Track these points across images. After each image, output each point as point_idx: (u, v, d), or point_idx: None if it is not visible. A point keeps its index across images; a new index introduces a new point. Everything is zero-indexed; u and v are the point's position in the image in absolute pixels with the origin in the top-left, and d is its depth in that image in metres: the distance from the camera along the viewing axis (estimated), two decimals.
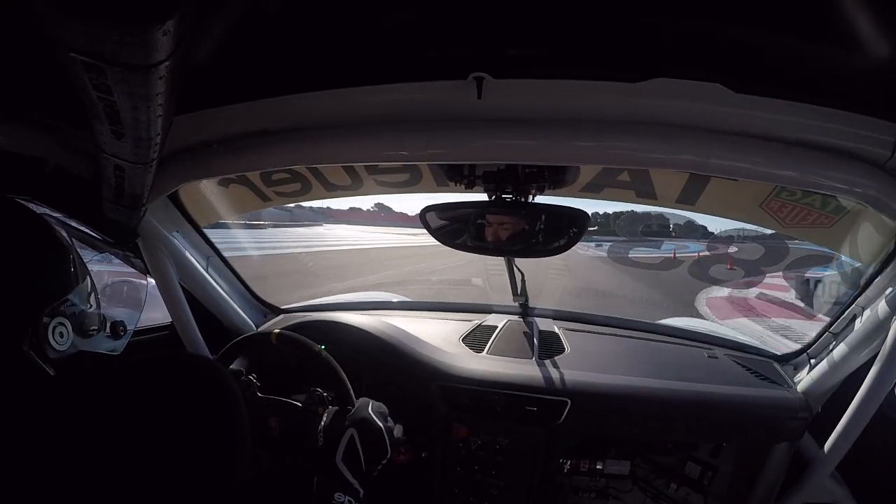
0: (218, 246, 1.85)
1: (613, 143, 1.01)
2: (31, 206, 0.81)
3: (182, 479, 0.57)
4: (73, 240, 0.82)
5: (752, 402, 1.56)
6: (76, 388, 0.60)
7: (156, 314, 1.92)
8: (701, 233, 20.34)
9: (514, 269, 1.99)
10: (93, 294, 0.82)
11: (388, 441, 1.22)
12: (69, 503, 0.50)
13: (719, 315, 8.86)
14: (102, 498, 0.51)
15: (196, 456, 0.59)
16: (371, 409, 1.26)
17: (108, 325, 0.90)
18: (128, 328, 0.96)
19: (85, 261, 0.84)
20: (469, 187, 1.40)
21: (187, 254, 1.70)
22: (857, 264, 1.49)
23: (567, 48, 0.91)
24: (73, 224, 1.17)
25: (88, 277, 0.81)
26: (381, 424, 1.22)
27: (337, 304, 2.59)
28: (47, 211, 1.18)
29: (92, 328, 0.81)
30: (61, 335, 0.71)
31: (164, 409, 0.59)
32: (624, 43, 0.87)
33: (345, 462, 1.13)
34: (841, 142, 0.95)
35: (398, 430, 1.29)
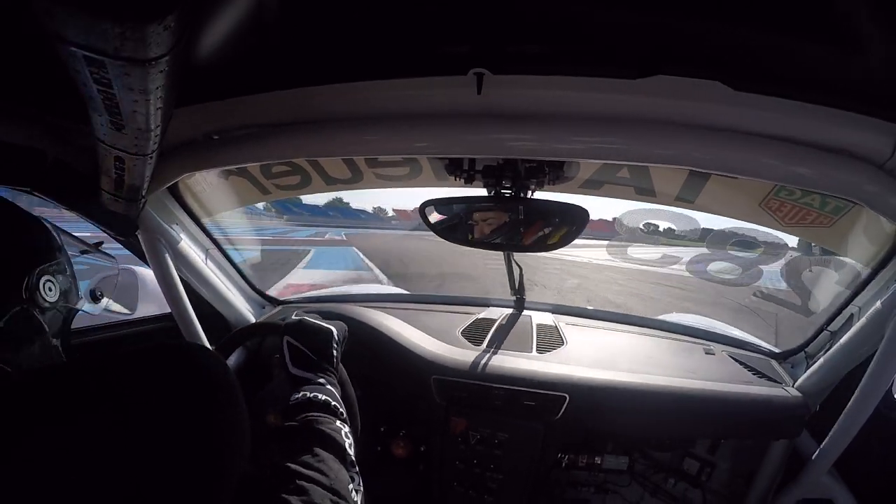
0: None
1: (613, 140, 1.01)
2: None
3: (179, 470, 0.57)
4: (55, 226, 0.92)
5: (749, 399, 1.56)
6: (72, 375, 0.60)
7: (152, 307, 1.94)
8: None
9: (513, 263, 1.99)
10: (69, 266, 0.91)
11: (318, 323, 1.22)
12: (59, 494, 0.50)
13: None
14: (95, 489, 0.51)
15: (194, 447, 0.59)
16: (295, 314, 1.26)
17: (88, 291, 1.05)
18: (104, 294, 1.10)
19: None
20: (469, 182, 1.40)
21: (186, 246, 1.70)
22: (856, 264, 1.49)
23: (567, 45, 0.90)
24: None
25: (65, 251, 0.91)
26: (302, 317, 1.23)
27: (336, 296, 2.60)
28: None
29: (73, 291, 0.92)
30: (50, 290, 0.82)
31: (161, 399, 0.59)
32: (624, 40, 0.87)
33: (296, 365, 1.13)
34: (840, 141, 0.94)
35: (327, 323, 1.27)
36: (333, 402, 1.03)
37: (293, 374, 1.12)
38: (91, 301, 1.04)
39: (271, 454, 0.85)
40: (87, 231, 1.32)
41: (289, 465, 0.82)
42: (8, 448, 0.51)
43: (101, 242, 1.39)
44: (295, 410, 0.99)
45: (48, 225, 0.88)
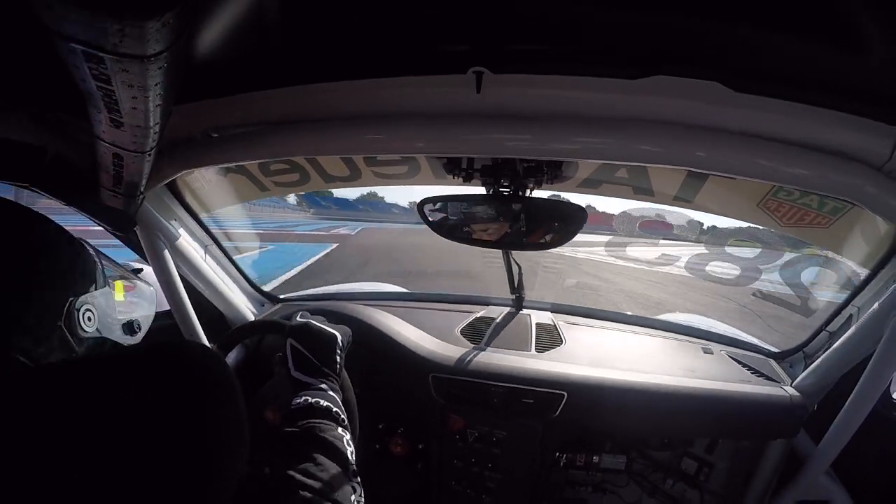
0: None
1: (612, 140, 1.01)
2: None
3: (178, 469, 0.56)
4: (97, 250, 0.88)
5: (747, 399, 1.57)
6: (73, 373, 0.60)
7: None
8: None
9: (512, 262, 1.99)
10: (110, 299, 0.89)
11: (322, 328, 1.21)
12: (60, 492, 0.50)
13: None
14: (95, 487, 0.51)
15: (193, 445, 0.58)
16: (300, 317, 1.26)
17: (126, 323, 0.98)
18: (141, 327, 1.04)
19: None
20: (467, 180, 1.40)
21: (185, 242, 1.70)
22: (854, 265, 1.49)
23: (567, 44, 0.90)
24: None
25: (108, 282, 0.88)
26: (308, 320, 1.22)
27: (336, 293, 2.59)
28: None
29: (111, 321, 0.88)
30: (89, 319, 0.79)
31: (160, 397, 0.58)
32: (624, 40, 0.87)
33: (298, 369, 1.13)
34: (839, 143, 0.94)
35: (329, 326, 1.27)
36: (335, 409, 1.02)
37: (294, 377, 1.12)
38: (128, 333, 0.99)
39: (271, 460, 0.85)
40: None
41: (291, 473, 0.82)
42: (10, 446, 0.51)
43: (141, 269, 1.39)
44: (296, 415, 0.99)
45: (92, 251, 0.86)
